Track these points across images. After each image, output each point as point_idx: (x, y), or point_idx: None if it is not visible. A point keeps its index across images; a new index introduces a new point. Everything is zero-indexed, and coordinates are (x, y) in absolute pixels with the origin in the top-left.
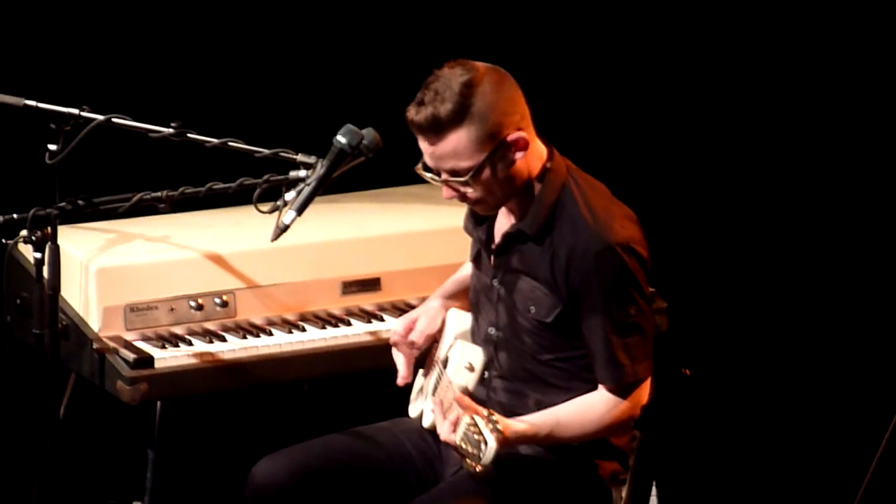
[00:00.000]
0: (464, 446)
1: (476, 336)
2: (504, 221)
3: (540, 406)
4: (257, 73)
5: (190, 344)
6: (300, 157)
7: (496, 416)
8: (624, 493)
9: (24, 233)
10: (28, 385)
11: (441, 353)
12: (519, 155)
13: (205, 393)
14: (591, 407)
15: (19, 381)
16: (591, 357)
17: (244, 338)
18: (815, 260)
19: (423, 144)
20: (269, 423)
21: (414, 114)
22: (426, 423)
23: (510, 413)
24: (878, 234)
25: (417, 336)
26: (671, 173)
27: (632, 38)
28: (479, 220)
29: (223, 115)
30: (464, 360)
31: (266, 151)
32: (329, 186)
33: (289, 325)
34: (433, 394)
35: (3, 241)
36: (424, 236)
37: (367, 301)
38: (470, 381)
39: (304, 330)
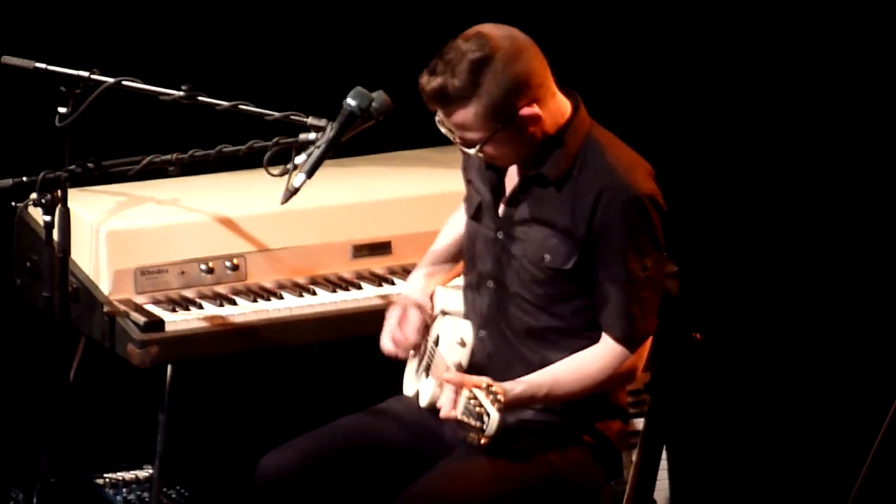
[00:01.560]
0: (466, 420)
1: (470, 293)
2: (516, 169)
3: (543, 363)
4: (268, 36)
5: (200, 307)
6: (311, 120)
7: (494, 386)
8: (634, 457)
9: (33, 196)
10: (38, 348)
11: (432, 331)
12: (532, 125)
13: (215, 356)
14: (593, 360)
15: (30, 345)
16: (602, 305)
17: (255, 301)
18: (827, 222)
19: (433, 109)
20: (280, 388)
21: (425, 82)
22: (423, 402)
23: (510, 371)
24: (887, 199)
25: (413, 333)
26: (685, 136)
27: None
28: (488, 166)
29: (233, 78)
30: (455, 336)
31: (276, 114)
32: (340, 150)
33: (299, 289)
34: (427, 372)
35: (14, 203)
36: (435, 199)
37: (377, 265)
38: (463, 356)
39: (314, 293)
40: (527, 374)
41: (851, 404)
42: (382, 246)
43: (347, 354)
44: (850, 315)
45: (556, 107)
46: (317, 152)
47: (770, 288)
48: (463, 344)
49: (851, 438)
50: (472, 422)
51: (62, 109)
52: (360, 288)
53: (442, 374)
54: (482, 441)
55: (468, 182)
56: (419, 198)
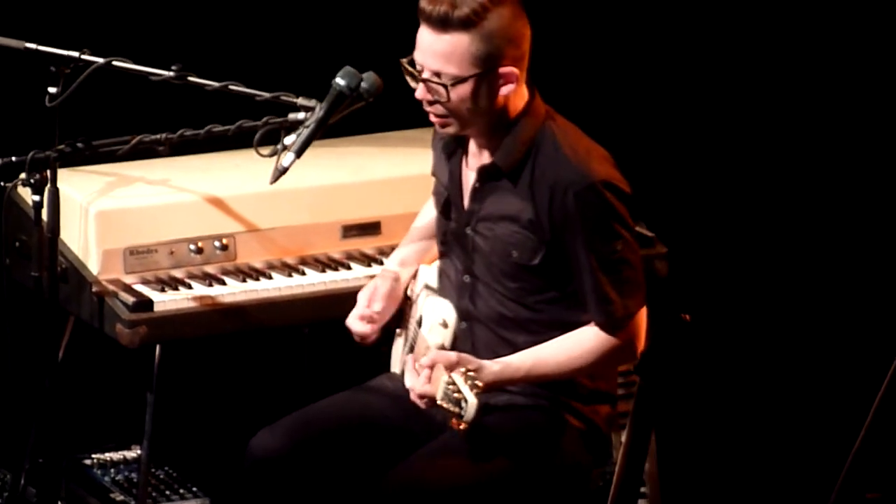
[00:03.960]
0: (445, 405)
1: (448, 285)
2: (474, 163)
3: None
4: (259, 16)
5: (189, 287)
6: (300, 101)
7: (473, 370)
8: (623, 438)
9: (23, 175)
10: (27, 328)
11: (416, 311)
12: (504, 89)
13: (204, 336)
14: (580, 342)
15: (18, 324)
16: (582, 295)
17: (244, 281)
18: (815, 206)
19: (423, 34)
20: (269, 367)
21: (428, 4)
22: (407, 383)
23: (493, 348)
24: (877, 185)
25: (380, 301)
26: (673, 119)
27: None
28: (449, 155)
29: (223, 59)
30: (437, 317)
31: (266, 95)
32: (329, 130)
33: (289, 269)
34: (411, 352)
35: (3, 183)
36: (424, 180)
37: (367, 245)
38: (446, 337)
39: (304, 274)
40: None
41: (839, 385)
42: (372, 226)
43: (337, 334)
44: (839, 297)
45: (522, 90)
46: (305, 132)
47: (759, 269)
48: (445, 325)
49: (839, 418)
50: (451, 407)
51: (52, 90)
52: (349, 268)
53: (421, 356)
54: (461, 426)
55: (434, 175)
56: (409, 178)
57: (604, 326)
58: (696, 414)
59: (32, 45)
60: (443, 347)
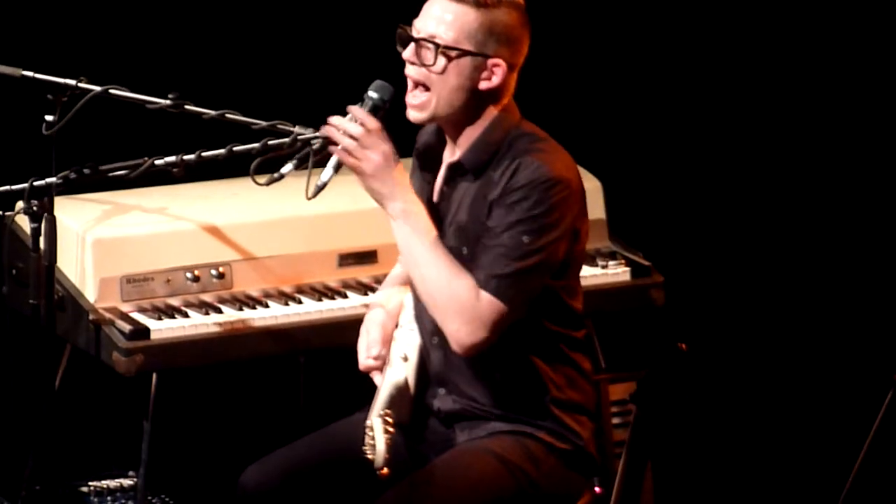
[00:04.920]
0: (365, 451)
1: (418, 300)
2: (445, 164)
3: (496, 359)
4: (253, 45)
5: (186, 316)
6: (297, 129)
7: (392, 416)
8: (619, 467)
9: (21, 204)
10: (24, 356)
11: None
12: (484, 83)
13: (201, 365)
14: (463, 284)
15: (16, 352)
16: (475, 263)
17: (240, 309)
18: (810, 237)
19: (433, 2)
20: (265, 396)
21: None
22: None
23: (467, 371)
24: (872, 210)
25: (377, 347)
26: (669, 151)
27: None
28: (426, 164)
29: (218, 86)
30: (399, 351)
31: (263, 123)
32: (321, 160)
33: (285, 297)
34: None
35: (1, 212)
36: None
37: (363, 273)
38: (408, 371)
39: (300, 302)
40: (484, 373)
41: (835, 417)
42: (368, 255)
43: (333, 363)
44: (835, 330)
45: (504, 97)
46: None
47: (755, 299)
48: (406, 359)
49: (835, 450)
50: (368, 454)
51: (49, 118)
52: (345, 297)
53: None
54: (378, 474)
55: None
56: None
57: (485, 286)
58: (693, 443)
59: (29, 73)
60: (404, 383)
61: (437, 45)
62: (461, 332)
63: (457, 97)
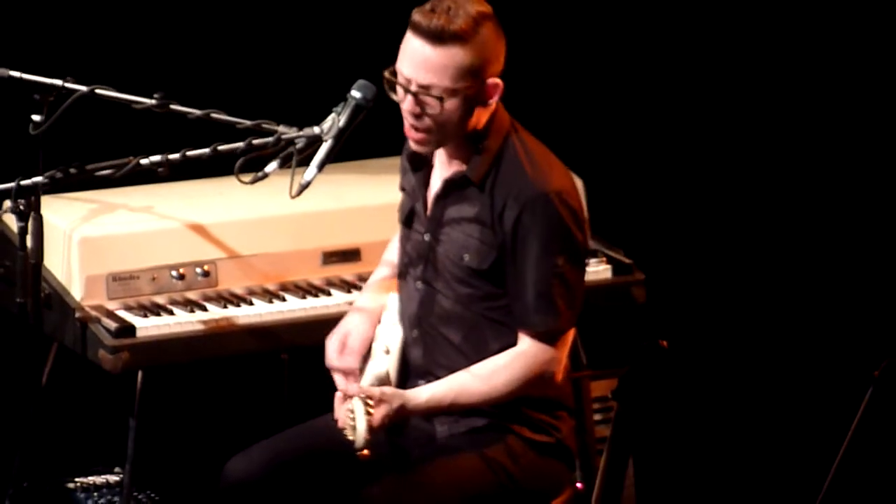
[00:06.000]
0: (344, 432)
1: (404, 296)
2: (441, 172)
3: (478, 357)
4: (235, 46)
5: (171, 313)
6: (281, 128)
7: (383, 411)
8: (601, 463)
9: (8, 203)
10: (10, 354)
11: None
12: (491, 101)
13: (186, 362)
14: (506, 365)
15: (2, 350)
16: (515, 302)
17: (225, 307)
18: (790, 235)
19: (415, 48)
20: (249, 393)
21: (421, 17)
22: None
23: (446, 366)
24: (851, 207)
25: (352, 358)
26: (650, 150)
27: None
28: (416, 167)
29: (203, 87)
30: (381, 345)
31: (248, 122)
32: (304, 160)
33: (270, 295)
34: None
35: None
36: None
37: (347, 271)
38: (390, 364)
39: (284, 300)
40: (464, 368)
41: (813, 411)
42: (352, 253)
43: (317, 360)
44: (815, 324)
45: (490, 106)
46: (326, 145)
47: (736, 296)
48: (387, 352)
49: (813, 444)
50: (348, 434)
51: (36, 117)
52: (329, 294)
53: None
54: (357, 453)
55: (402, 190)
56: (388, 205)
57: (537, 337)
58: (673, 438)
59: (16, 73)
60: (385, 375)
61: (436, 96)
62: (547, 379)
63: (462, 125)
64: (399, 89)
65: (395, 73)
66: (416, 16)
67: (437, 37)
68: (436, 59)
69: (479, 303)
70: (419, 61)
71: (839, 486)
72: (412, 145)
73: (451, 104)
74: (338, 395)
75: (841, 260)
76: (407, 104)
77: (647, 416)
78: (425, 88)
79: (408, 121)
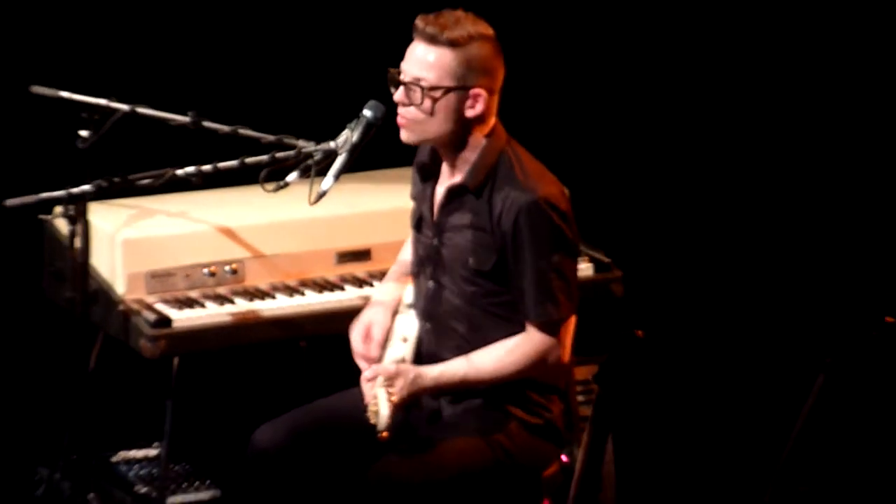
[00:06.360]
0: (368, 417)
1: (418, 292)
2: (445, 182)
3: (480, 341)
4: (260, 71)
5: (203, 306)
6: (301, 143)
7: (399, 384)
8: (584, 439)
9: (59, 209)
10: (62, 343)
11: (392, 328)
12: (470, 111)
13: (216, 349)
14: (513, 349)
15: (54, 340)
16: (520, 298)
17: (251, 301)
18: (750, 239)
19: (414, 47)
20: (272, 376)
21: (423, 22)
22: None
23: (454, 356)
24: (809, 210)
25: (376, 348)
26: (629, 165)
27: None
28: (424, 178)
29: (232, 106)
30: (400, 333)
31: (271, 137)
32: (322, 171)
33: (290, 290)
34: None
35: (41, 217)
36: (409, 212)
37: (359, 269)
38: (406, 351)
39: (303, 294)
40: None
41: (772, 391)
42: (363, 253)
43: (332, 347)
44: (772, 317)
45: (492, 120)
46: (341, 158)
47: (704, 291)
48: (405, 340)
49: (773, 420)
50: (371, 418)
51: (84, 133)
52: (343, 290)
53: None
54: (379, 436)
55: (413, 199)
56: (395, 210)
57: (540, 327)
58: (649, 418)
59: (66, 94)
60: (403, 360)
61: (422, 88)
62: (550, 364)
63: (447, 127)
64: (392, 85)
65: (398, 73)
66: (419, 20)
67: (431, 38)
68: (426, 56)
69: (483, 299)
70: (413, 57)
71: (796, 454)
72: (401, 135)
73: (432, 98)
74: (364, 379)
75: (794, 259)
76: (397, 95)
77: (625, 397)
78: (414, 80)
79: (398, 110)
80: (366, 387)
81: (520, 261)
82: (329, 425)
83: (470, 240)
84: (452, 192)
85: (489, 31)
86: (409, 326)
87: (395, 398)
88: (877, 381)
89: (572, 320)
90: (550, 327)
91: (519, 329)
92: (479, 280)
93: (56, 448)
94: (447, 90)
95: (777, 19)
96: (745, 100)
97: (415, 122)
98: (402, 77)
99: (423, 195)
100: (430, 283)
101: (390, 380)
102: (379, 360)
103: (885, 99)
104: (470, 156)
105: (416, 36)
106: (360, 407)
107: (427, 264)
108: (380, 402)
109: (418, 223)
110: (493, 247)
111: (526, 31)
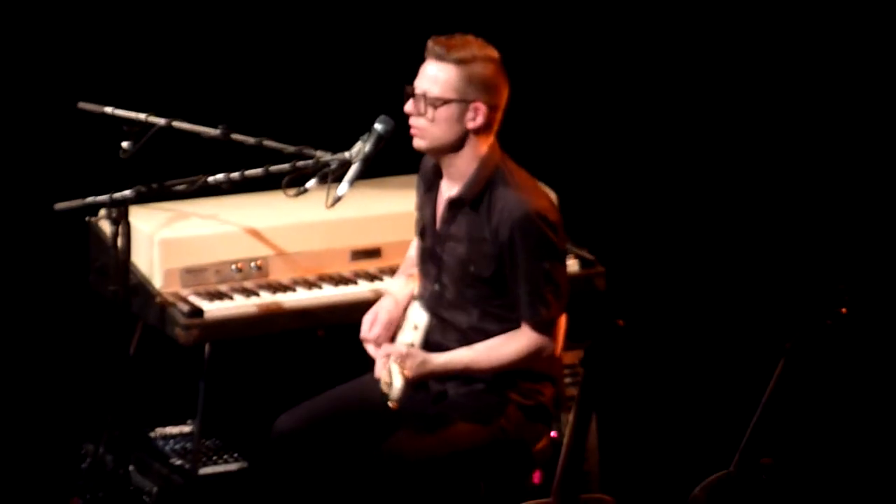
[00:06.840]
0: (381, 387)
1: (424, 293)
2: (446, 194)
3: (479, 337)
4: (284, 88)
5: (232, 299)
6: (319, 153)
7: (409, 364)
8: (570, 419)
9: (103, 212)
10: (106, 331)
11: (404, 316)
12: (471, 122)
13: (244, 337)
14: (509, 343)
15: (98, 328)
16: (516, 301)
17: (274, 294)
18: (719, 236)
19: (426, 62)
20: (294, 361)
21: (434, 43)
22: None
23: (457, 339)
24: (776, 206)
25: (378, 328)
26: (611, 169)
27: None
28: (428, 189)
29: (258, 120)
30: (412, 321)
31: (292, 148)
32: (338, 178)
33: (309, 284)
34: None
35: (87, 218)
36: (415, 215)
37: (371, 266)
38: (416, 338)
39: (321, 288)
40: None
41: (738, 373)
42: (375, 251)
43: (347, 336)
44: (736, 303)
45: (490, 138)
46: (354, 167)
47: (678, 284)
48: (416, 328)
49: (739, 398)
50: (384, 389)
51: (125, 144)
52: (356, 284)
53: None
54: (390, 405)
55: (417, 209)
56: (404, 213)
57: (533, 326)
58: (629, 398)
59: (109, 110)
60: (412, 345)
61: (427, 99)
62: (543, 357)
63: (449, 134)
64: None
65: (412, 89)
66: (431, 42)
67: (440, 57)
68: (433, 72)
69: (481, 300)
70: (423, 73)
71: (760, 429)
72: (413, 142)
73: (438, 110)
74: (379, 357)
75: (759, 254)
76: (408, 106)
77: (607, 380)
78: (422, 93)
79: (409, 121)
80: (380, 362)
81: (515, 268)
82: (341, 411)
83: (470, 249)
84: (452, 205)
85: (494, 53)
86: (419, 316)
87: (407, 372)
88: (831, 364)
89: (563, 318)
90: (543, 326)
91: (516, 326)
92: (478, 284)
93: (100, 425)
94: (448, 101)
95: (747, 21)
96: (715, 103)
97: (422, 130)
98: (412, 90)
99: (425, 206)
100: (435, 286)
101: (402, 359)
102: (392, 341)
103: (846, 93)
104: (468, 169)
105: (427, 55)
106: (370, 396)
107: (431, 269)
108: (393, 376)
109: (422, 231)
110: (493, 255)
111: (511, 32)
